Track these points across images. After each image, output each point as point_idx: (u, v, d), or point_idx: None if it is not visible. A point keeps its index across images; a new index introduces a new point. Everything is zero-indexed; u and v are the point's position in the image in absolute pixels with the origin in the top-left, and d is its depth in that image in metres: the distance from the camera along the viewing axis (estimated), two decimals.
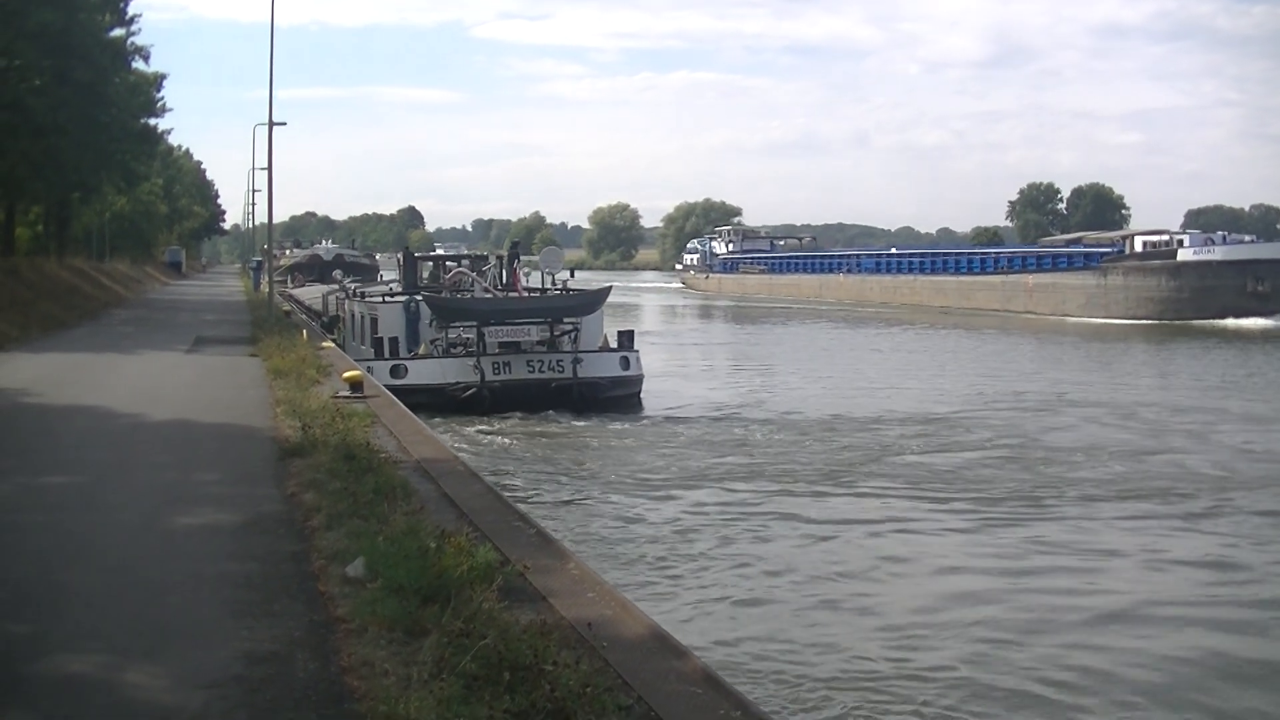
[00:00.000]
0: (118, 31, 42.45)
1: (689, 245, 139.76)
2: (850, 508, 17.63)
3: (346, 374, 18.43)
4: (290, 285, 65.25)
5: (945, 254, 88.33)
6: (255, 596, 7.36)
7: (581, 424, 24.80)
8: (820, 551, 15.13)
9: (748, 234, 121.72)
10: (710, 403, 29.13)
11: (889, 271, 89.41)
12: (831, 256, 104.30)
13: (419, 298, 29.37)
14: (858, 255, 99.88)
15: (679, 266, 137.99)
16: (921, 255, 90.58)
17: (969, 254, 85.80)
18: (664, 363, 38.22)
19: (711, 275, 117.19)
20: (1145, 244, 73.04)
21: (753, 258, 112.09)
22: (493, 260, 34.67)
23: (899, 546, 15.47)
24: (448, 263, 35.69)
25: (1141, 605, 13.02)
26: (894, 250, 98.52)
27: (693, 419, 26.25)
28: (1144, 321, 62.63)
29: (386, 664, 6.05)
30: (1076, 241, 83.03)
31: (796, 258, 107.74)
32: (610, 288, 31.28)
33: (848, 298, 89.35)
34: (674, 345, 49.85)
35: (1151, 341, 52.28)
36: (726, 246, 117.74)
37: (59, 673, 6.15)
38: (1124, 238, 79.02)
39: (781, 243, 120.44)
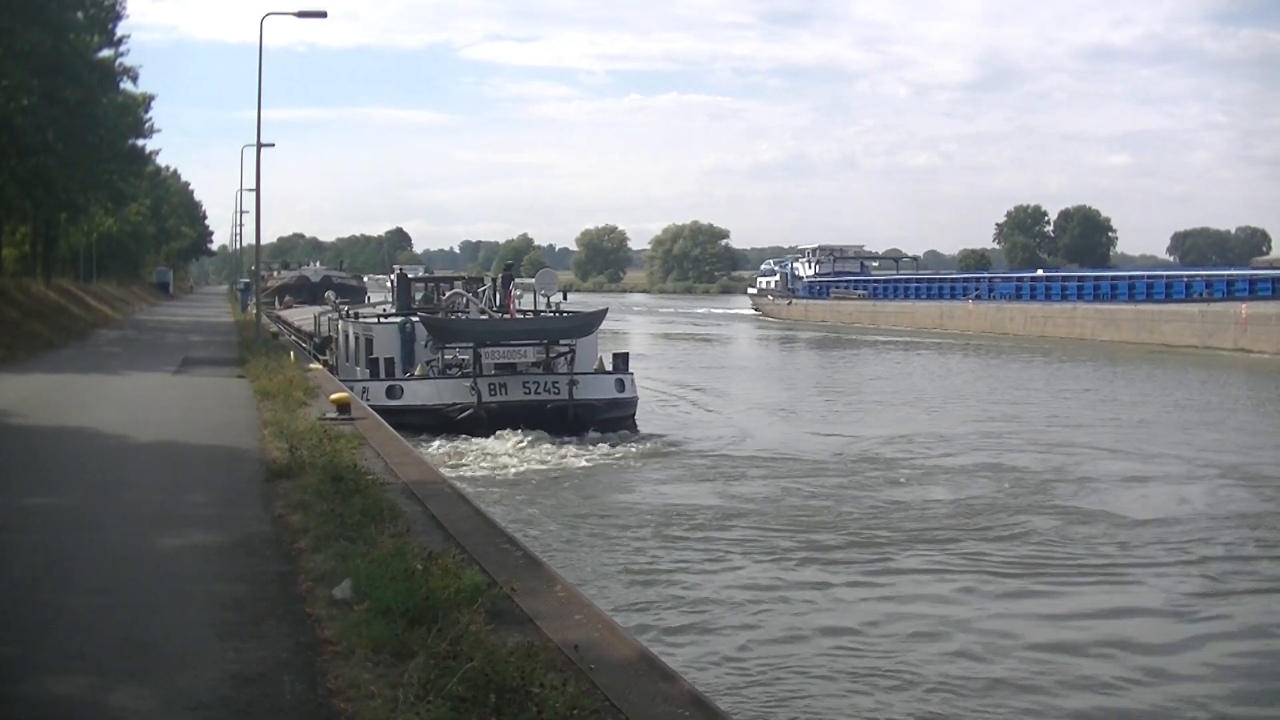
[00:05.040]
0: (106, 52, 42.52)
1: (763, 267, 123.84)
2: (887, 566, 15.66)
3: (334, 396, 18.47)
4: (278, 306, 65.10)
5: (1116, 277, 74.17)
6: (242, 618, 7.35)
7: (575, 446, 24.69)
8: (820, 586, 14.69)
9: (837, 254, 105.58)
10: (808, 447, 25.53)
11: (1034, 297, 75.29)
12: (950, 279, 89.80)
13: (415, 319, 29.39)
14: (989, 278, 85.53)
15: (751, 291, 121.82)
16: (1081, 278, 76.30)
17: (1150, 277, 70.80)
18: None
19: (796, 301, 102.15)
20: None
21: (847, 281, 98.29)
22: (488, 282, 34.76)
23: (937, 606, 13.96)
24: (442, 284, 35.73)
25: None
26: (1040, 272, 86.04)
27: (690, 447, 26.19)
28: None
29: (373, 686, 6.05)
30: None
31: (904, 281, 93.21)
32: (606, 310, 31.19)
33: (979, 328, 74.78)
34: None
35: None
36: (813, 268, 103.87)
37: (45, 694, 6.13)
38: None
39: (875, 265, 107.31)
